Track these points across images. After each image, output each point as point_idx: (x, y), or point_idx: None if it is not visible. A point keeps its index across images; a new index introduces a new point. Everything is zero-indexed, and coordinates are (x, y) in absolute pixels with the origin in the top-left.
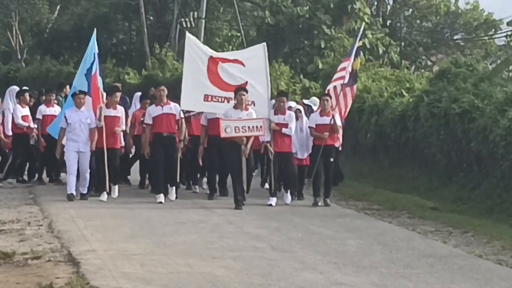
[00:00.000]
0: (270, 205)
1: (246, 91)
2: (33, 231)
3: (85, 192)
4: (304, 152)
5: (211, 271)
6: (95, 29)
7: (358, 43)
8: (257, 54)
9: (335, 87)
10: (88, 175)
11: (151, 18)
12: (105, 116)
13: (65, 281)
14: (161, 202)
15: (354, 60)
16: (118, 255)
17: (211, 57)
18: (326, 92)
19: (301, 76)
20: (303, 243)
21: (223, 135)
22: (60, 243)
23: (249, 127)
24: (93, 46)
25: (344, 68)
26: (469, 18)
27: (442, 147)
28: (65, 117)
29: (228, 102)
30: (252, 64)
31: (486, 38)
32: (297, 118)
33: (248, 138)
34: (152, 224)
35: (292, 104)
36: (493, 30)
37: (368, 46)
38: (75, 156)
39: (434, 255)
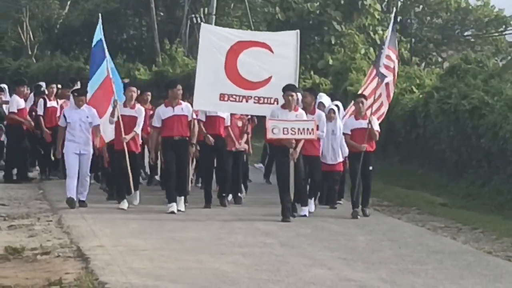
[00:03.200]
0: (305, 215)
1: (294, 91)
2: (42, 226)
3: (84, 199)
4: (337, 156)
5: (220, 267)
6: (99, 15)
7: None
8: (289, 41)
9: (387, 84)
10: (88, 180)
11: (162, 14)
12: (120, 116)
13: (74, 276)
14: (173, 212)
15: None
16: (127, 251)
17: (231, 47)
18: (361, 91)
19: (311, 72)
20: (312, 239)
21: (269, 136)
22: (69, 238)
23: (299, 129)
24: (98, 34)
25: (388, 57)
26: (480, 14)
27: (452, 144)
28: (64, 116)
29: (247, 101)
30: (281, 52)
31: (497, 34)
32: (330, 119)
33: (297, 141)
34: (161, 220)
35: (325, 101)
36: (503, 26)
37: (378, 42)
38: (75, 158)
39: (443, 251)
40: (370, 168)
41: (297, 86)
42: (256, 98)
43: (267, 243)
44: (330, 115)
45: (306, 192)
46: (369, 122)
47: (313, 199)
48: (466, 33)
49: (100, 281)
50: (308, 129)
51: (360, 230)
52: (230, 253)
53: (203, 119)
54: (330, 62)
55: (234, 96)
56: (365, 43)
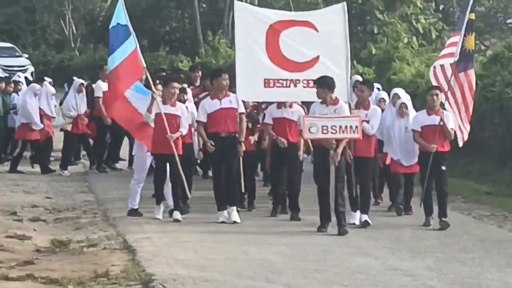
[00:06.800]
0: (354, 224)
1: (329, 86)
2: (88, 219)
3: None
4: (411, 158)
5: (265, 257)
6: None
7: (469, 16)
8: (335, 16)
9: (442, 65)
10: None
11: (204, 5)
12: (159, 114)
13: (120, 268)
14: (223, 222)
15: (465, 36)
16: (173, 242)
17: (271, 26)
18: (433, 69)
19: (355, 62)
20: (356, 229)
21: (306, 136)
22: (115, 230)
23: (340, 126)
24: (121, 15)
25: (454, 43)
26: None
27: (496, 132)
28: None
29: (295, 86)
30: (327, 29)
31: None
32: (402, 115)
33: (338, 141)
34: (206, 211)
35: (401, 93)
36: None
37: (421, 31)
38: (146, 161)
39: (490, 240)
40: (443, 168)
41: (349, 62)
42: (305, 82)
43: (312, 233)
44: (402, 111)
45: (356, 198)
46: (441, 119)
47: (359, 212)
48: (508, 21)
49: (146, 272)
50: (351, 127)
51: (405, 220)
52: (276, 244)
53: (270, 122)
54: (373, 51)
55: (280, 81)
56: (408, 32)
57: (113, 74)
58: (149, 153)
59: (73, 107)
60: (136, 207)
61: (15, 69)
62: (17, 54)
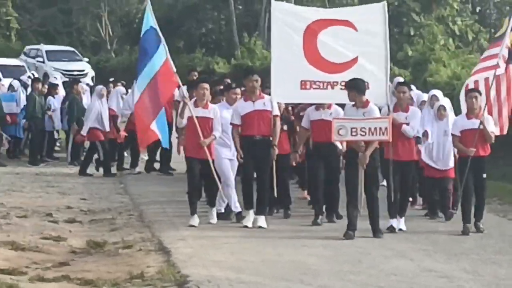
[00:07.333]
0: (391, 227)
1: (358, 87)
2: (124, 220)
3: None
4: (446, 161)
5: (301, 259)
6: (148, 1)
7: None
8: (374, 16)
9: (476, 81)
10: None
11: (240, 7)
12: (191, 117)
13: (156, 269)
14: (246, 226)
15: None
16: (209, 244)
17: (308, 26)
18: (466, 87)
19: (391, 64)
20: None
21: (335, 138)
22: (150, 232)
23: (369, 128)
24: (152, 18)
25: (493, 56)
26: None
27: None
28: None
29: (332, 88)
30: (366, 29)
31: None
32: (440, 118)
33: (367, 143)
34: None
35: (439, 95)
36: None
37: (457, 33)
38: (228, 164)
39: None
40: (484, 175)
41: (389, 64)
42: (343, 84)
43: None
44: (440, 113)
45: (395, 204)
46: (481, 122)
47: (403, 218)
48: None
49: (182, 274)
50: (380, 128)
51: (441, 222)
52: (311, 245)
53: (307, 126)
54: (410, 53)
55: (317, 83)
56: (444, 33)
57: (154, 83)
58: (228, 157)
59: (130, 106)
60: (238, 210)
61: (74, 73)
62: (77, 58)
